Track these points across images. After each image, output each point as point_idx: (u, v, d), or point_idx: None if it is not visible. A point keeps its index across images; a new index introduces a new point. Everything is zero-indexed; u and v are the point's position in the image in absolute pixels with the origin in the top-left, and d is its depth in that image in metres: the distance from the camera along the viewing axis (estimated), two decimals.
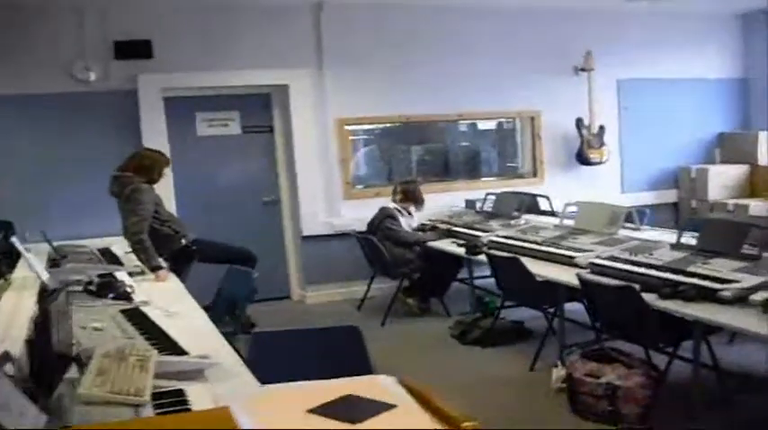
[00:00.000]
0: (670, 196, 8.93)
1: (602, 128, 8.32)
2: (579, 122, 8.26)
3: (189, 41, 7.10)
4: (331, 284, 7.03)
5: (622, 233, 5.56)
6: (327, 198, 7.61)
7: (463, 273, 6.84)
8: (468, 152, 8.58)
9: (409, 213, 7.01)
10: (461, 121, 8.43)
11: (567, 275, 4.79)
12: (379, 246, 6.63)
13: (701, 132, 9.10)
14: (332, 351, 3.27)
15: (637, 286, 4.07)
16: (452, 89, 7.92)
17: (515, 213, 6.77)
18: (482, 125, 8.69)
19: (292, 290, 7.57)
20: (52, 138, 6.77)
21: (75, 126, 6.84)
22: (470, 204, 7.65)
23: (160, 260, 5.07)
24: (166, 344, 2.94)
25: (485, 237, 6.20)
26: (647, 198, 8.59)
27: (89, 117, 6.86)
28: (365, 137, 8.19)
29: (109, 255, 5.54)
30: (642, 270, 4.42)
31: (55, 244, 5.36)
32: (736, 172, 8.72)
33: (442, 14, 7.78)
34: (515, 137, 8.65)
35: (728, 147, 9.02)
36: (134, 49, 6.93)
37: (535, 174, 8.43)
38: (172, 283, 4.81)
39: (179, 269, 5.72)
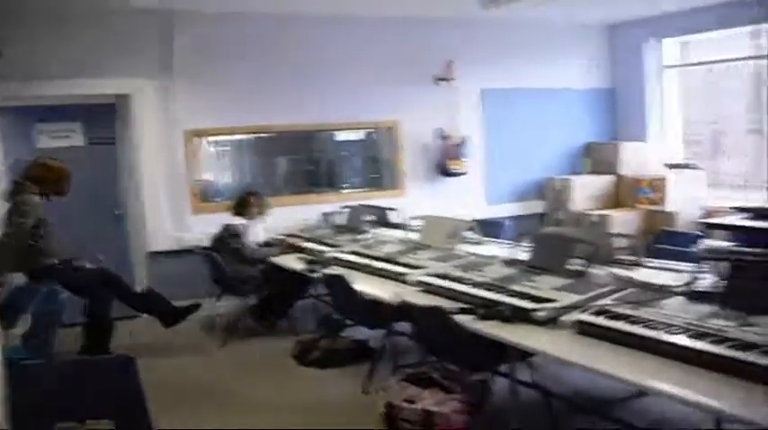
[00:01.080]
0: (537, 207, 8.88)
1: (462, 139, 8.21)
2: (439, 133, 8.15)
3: (24, 48, 6.61)
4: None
5: (464, 248, 5.44)
6: (175, 212, 7.26)
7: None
8: (332, 164, 8.35)
9: (253, 226, 6.71)
10: (323, 132, 8.18)
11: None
12: (220, 263, 6.33)
13: (569, 142, 9.11)
14: (103, 383, 3.03)
15: (449, 306, 3.92)
16: (312, 99, 7.72)
17: (364, 227, 6.59)
18: (348, 136, 8.44)
19: None
20: None
21: None
22: (326, 218, 7.44)
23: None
24: None
25: (330, 253, 5.98)
26: (514, 209, 8.57)
27: None
28: (224, 148, 7.87)
29: None
30: (464, 288, 4.26)
31: None
32: (602, 182, 8.73)
33: (299, 24, 7.55)
34: (378, 148, 8.47)
35: (595, 158, 9.03)
36: None
37: (396, 186, 8.27)
38: None
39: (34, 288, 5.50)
